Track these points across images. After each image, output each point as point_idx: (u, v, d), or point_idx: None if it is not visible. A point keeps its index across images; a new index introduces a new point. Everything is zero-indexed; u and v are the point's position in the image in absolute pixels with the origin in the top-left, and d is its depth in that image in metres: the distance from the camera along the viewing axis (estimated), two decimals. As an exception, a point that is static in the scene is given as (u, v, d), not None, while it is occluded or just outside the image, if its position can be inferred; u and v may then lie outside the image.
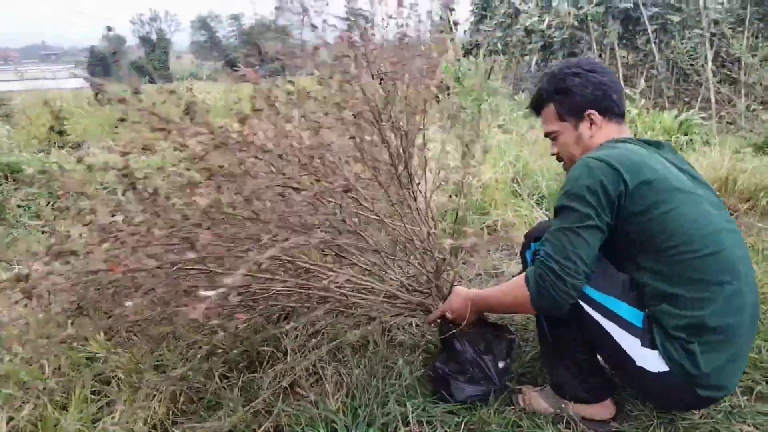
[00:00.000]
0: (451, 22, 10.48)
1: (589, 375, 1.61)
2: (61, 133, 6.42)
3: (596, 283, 1.44)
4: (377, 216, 1.55)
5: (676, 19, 7.74)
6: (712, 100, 6.52)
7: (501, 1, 10.84)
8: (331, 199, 1.47)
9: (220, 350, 1.98)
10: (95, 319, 1.54)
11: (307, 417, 1.70)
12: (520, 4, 9.91)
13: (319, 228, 1.48)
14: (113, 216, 1.46)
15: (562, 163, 1.73)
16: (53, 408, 1.79)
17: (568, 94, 1.60)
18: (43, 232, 3.26)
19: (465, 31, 12.40)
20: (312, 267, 1.61)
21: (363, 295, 1.71)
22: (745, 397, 1.69)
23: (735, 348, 1.39)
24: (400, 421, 1.62)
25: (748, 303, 1.40)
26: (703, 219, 1.38)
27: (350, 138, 1.41)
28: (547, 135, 1.72)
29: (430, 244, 1.69)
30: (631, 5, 7.89)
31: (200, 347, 1.95)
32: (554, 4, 8.98)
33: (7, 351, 2.01)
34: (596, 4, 8.00)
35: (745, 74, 6.64)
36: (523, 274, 1.52)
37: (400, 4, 1.63)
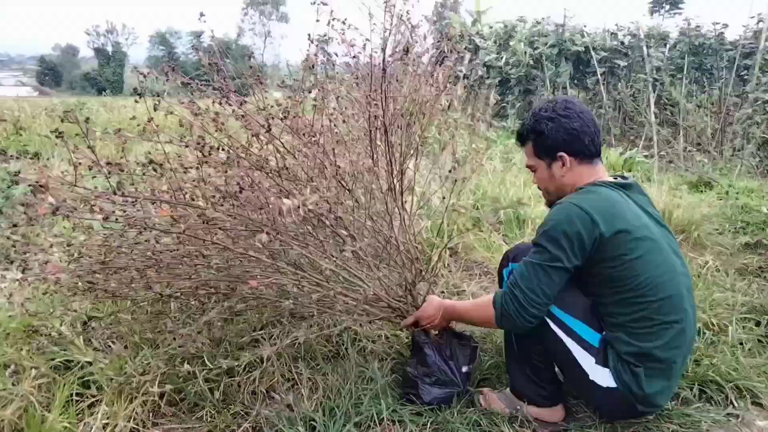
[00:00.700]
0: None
1: (546, 382, 1.82)
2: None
3: (563, 304, 1.66)
4: (372, 219, 1.72)
5: (622, 63, 8.35)
6: (654, 140, 7.04)
7: (461, 37, 11.35)
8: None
9: (200, 354, 2.08)
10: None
11: (285, 417, 1.83)
12: (480, 41, 10.41)
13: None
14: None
15: (542, 191, 1.92)
16: (39, 407, 1.85)
17: (541, 136, 1.77)
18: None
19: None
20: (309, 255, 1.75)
21: (351, 293, 1.87)
22: (672, 402, 1.93)
23: (672, 375, 1.65)
24: (375, 418, 1.78)
25: (688, 339, 1.66)
26: (664, 266, 1.61)
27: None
28: (527, 166, 1.91)
29: (411, 254, 1.87)
30: (582, 49, 8.46)
31: (179, 349, 2.05)
32: (511, 43, 9.49)
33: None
34: (550, 46, 8.54)
35: (682, 118, 7.21)
36: (492, 296, 1.73)
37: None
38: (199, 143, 1.44)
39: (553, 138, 1.74)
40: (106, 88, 41.28)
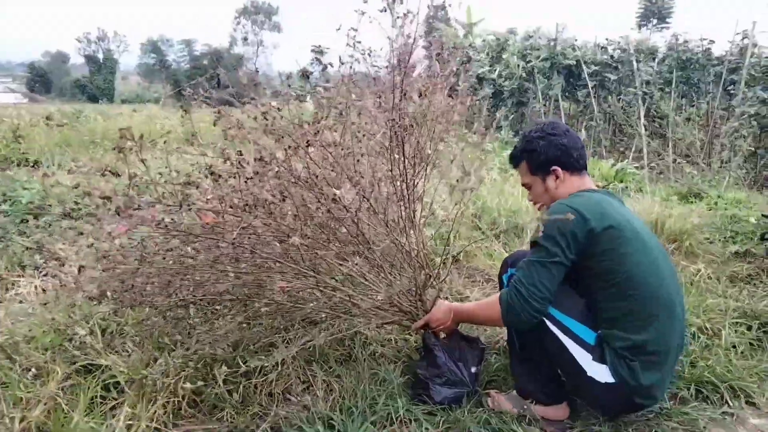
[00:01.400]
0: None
1: (549, 380, 1.92)
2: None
3: (559, 305, 1.78)
4: (387, 225, 1.82)
5: (613, 77, 8.55)
6: (644, 151, 7.22)
7: (456, 50, 11.54)
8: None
9: (219, 358, 2.16)
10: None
11: (303, 417, 1.91)
12: (472, 53, 10.59)
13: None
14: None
15: (537, 206, 2.07)
16: (66, 408, 1.92)
17: (534, 153, 1.96)
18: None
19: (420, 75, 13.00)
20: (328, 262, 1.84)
21: (366, 297, 1.97)
22: (671, 402, 2.03)
23: (665, 367, 1.77)
24: (393, 417, 1.87)
25: (678, 332, 1.79)
26: (650, 261, 1.75)
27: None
28: (523, 185, 2.06)
29: (421, 260, 1.97)
30: (574, 62, 8.65)
31: (200, 352, 2.13)
32: (504, 56, 9.67)
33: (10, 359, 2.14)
34: (543, 59, 8.73)
35: (671, 131, 7.40)
36: (498, 295, 1.84)
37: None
38: (240, 153, 1.53)
39: (545, 154, 1.93)
40: (97, 96, 41.13)
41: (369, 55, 1.95)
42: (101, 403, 2.02)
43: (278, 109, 1.57)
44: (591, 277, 1.76)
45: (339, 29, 1.98)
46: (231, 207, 1.53)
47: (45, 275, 2.72)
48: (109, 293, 1.82)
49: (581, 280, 1.79)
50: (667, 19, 26.24)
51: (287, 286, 1.60)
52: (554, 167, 1.93)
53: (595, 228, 1.70)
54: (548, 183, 1.95)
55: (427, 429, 1.86)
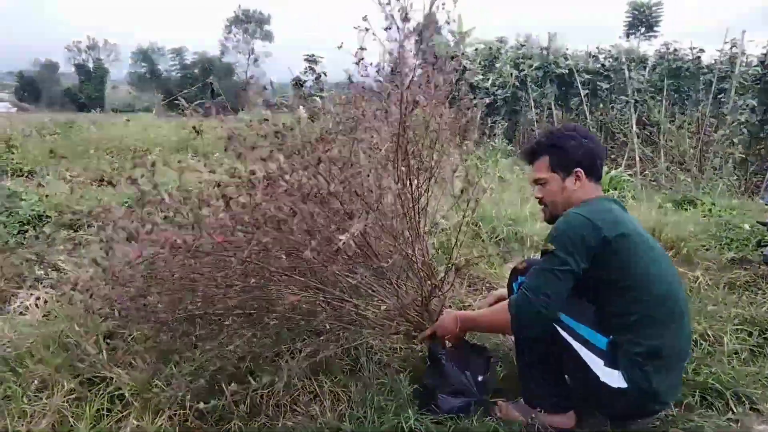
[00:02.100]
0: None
1: (557, 388, 1.94)
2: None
3: (570, 312, 1.79)
4: (394, 237, 1.83)
5: (605, 85, 8.64)
6: (637, 159, 7.29)
7: (452, 58, 11.62)
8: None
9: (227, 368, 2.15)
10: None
11: (312, 428, 1.91)
12: (465, 62, 10.65)
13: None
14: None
15: (543, 206, 2.06)
16: (72, 420, 1.90)
17: (561, 151, 1.95)
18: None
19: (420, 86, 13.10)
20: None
21: (373, 309, 1.97)
22: (677, 409, 2.05)
23: (676, 372, 1.80)
24: (404, 426, 1.87)
25: (686, 337, 1.83)
26: (660, 269, 1.78)
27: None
28: (536, 181, 2.04)
29: (426, 271, 1.98)
30: (567, 71, 8.74)
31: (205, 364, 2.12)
32: (497, 65, 9.75)
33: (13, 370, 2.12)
34: (536, 68, 8.81)
35: (663, 138, 7.48)
36: (507, 302, 1.85)
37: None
38: (253, 173, 1.54)
39: (574, 154, 1.93)
40: (88, 105, 40.90)
41: (365, 67, 1.97)
42: (107, 415, 2.01)
43: (291, 128, 1.57)
44: (602, 284, 1.77)
45: (340, 47, 2.00)
46: (242, 225, 1.53)
47: (49, 287, 2.69)
48: (117, 312, 1.81)
49: (592, 288, 1.80)
50: (655, 28, 26.57)
51: (297, 299, 1.60)
52: (578, 169, 1.93)
53: (607, 236, 1.72)
54: (567, 183, 1.94)
55: (436, 438, 1.86)
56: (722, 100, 7.80)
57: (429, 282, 2.05)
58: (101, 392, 2.05)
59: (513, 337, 2.10)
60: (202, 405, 1.85)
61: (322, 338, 2.21)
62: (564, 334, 1.80)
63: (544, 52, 9.24)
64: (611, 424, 1.93)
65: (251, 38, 59.67)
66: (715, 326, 2.56)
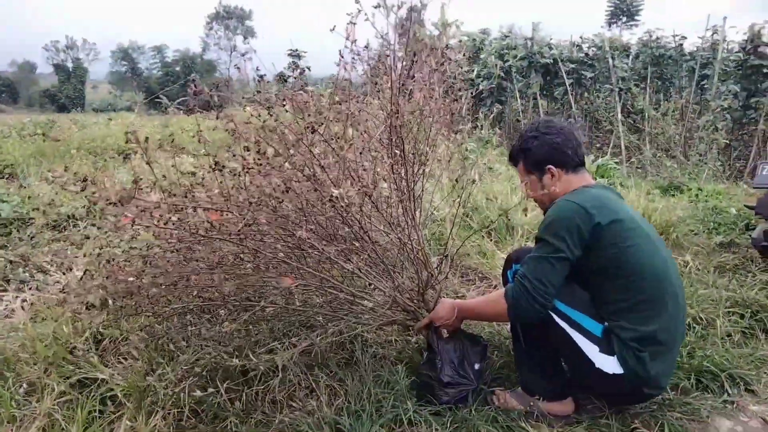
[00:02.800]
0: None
1: (554, 376, 1.93)
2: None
3: (565, 299, 1.78)
4: (390, 224, 1.81)
5: (589, 74, 8.67)
6: (623, 146, 7.33)
7: (433, 50, 11.59)
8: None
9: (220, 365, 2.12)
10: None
11: (310, 422, 1.88)
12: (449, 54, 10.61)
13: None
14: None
15: (537, 203, 2.08)
16: (63, 424, 1.86)
17: (528, 153, 1.97)
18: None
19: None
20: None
21: (369, 298, 1.95)
22: (673, 392, 2.06)
23: (671, 356, 1.80)
24: (403, 419, 1.85)
25: (681, 321, 1.83)
26: (654, 253, 1.77)
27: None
28: (522, 183, 2.07)
29: (422, 259, 1.96)
30: (551, 61, 8.76)
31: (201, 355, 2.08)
32: (482, 56, 9.74)
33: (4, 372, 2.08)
34: (520, 58, 8.81)
35: (648, 125, 7.53)
36: (503, 290, 1.84)
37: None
38: (247, 149, 1.50)
39: (539, 153, 1.94)
40: (68, 105, 40.32)
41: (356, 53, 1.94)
42: (99, 417, 1.97)
43: (283, 104, 1.55)
44: (597, 270, 1.77)
45: (333, 29, 1.97)
46: (237, 206, 1.49)
47: (35, 289, 2.64)
48: (110, 301, 1.77)
49: (586, 274, 1.80)
50: (636, 17, 26.75)
51: (293, 282, 1.57)
52: (549, 166, 1.94)
53: (600, 222, 1.72)
54: (545, 181, 1.96)
55: (437, 430, 1.85)
56: (705, 86, 7.86)
57: (425, 271, 2.03)
58: (93, 394, 2.01)
59: (509, 326, 2.10)
60: (198, 393, 1.80)
61: (316, 332, 2.19)
62: (559, 321, 1.79)
63: (529, 42, 9.24)
64: (609, 410, 1.93)
65: (233, 34, 59.15)
66: (707, 310, 2.57)
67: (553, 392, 1.94)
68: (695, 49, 8.72)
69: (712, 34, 8.30)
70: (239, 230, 1.44)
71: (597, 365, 1.75)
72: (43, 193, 4.52)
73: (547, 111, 9.54)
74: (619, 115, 7.54)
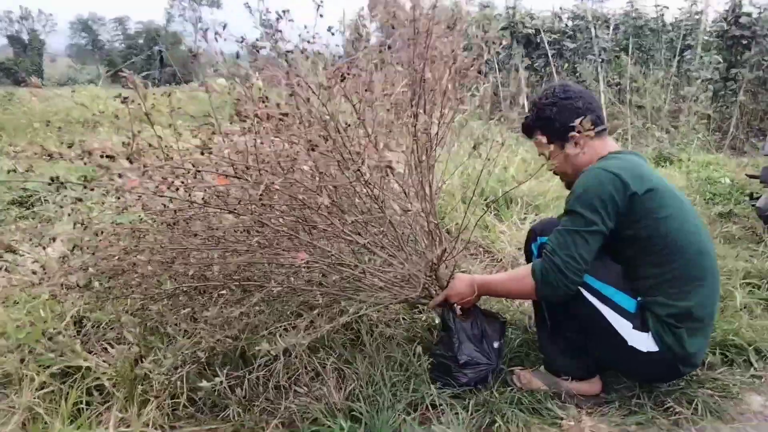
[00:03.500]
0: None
1: (581, 354, 1.81)
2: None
3: (595, 273, 1.65)
4: (406, 194, 1.65)
5: (571, 45, 8.55)
6: (605, 118, 7.25)
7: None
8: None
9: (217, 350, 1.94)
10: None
11: (320, 409, 1.74)
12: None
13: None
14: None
15: (558, 176, 1.94)
16: (46, 416, 1.68)
17: (548, 122, 1.81)
18: None
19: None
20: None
21: (382, 274, 1.80)
22: (699, 369, 1.97)
23: (708, 333, 1.70)
24: (426, 402, 1.72)
25: (717, 296, 1.72)
26: (690, 223, 1.66)
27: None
28: (541, 156, 1.91)
29: (436, 233, 1.81)
30: (533, 31, 8.61)
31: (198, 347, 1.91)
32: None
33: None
34: (502, 28, 8.63)
35: (632, 95, 7.46)
36: (530, 266, 1.70)
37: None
38: (266, 99, 1.31)
39: (560, 121, 1.78)
40: (25, 79, 38.54)
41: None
42: (86, 409, 1.78)
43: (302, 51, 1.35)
44: (631, 242, 1.64)
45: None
46: (251, 169, 1.29)
47: (4, 270, 2.40)
48: (96, 282, 1.57)
49: (619, 246, 1.67)
50: (610, -10, 26.63)
51: (304, 259, 1.40)
52: (572, 133, 1.79)
53: (637, 192, 1.59)
54: (568, 150, 1.80)
55: (457, 414, 1.72)
56: (688, 58, 7.83)
57: (440, 244, 1.88)
58: (78, 384, 1.82)
59: (531, 303, 1.97)
60: (204, 383, 1.62)
61: (319, 311, 2.03)
62: (590, 297, 1.67)
63: (510, 11, 9.05)
64: (639, 388, 1.83)
65: (197, 5, 57.25)
66: (723, 282, 2.49)
67: (581, 371, 1.83)
68: (674, 20, 8.68)
69: (691, 5, 8.26)
70: (260, 195, 1.25)
71: (630, 343, 1.64)
72: (5, 168, 4.20)
73: (529, 82, 9.42)
74: (602, 85, 7.45)
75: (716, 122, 7.29)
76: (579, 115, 1.74)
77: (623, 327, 1.65)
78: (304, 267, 1.57)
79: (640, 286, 1.66)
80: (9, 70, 45.64)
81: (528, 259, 1.94)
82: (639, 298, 1.66)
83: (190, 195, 1.33)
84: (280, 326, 2.04)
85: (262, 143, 1.33)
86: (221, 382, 1.84)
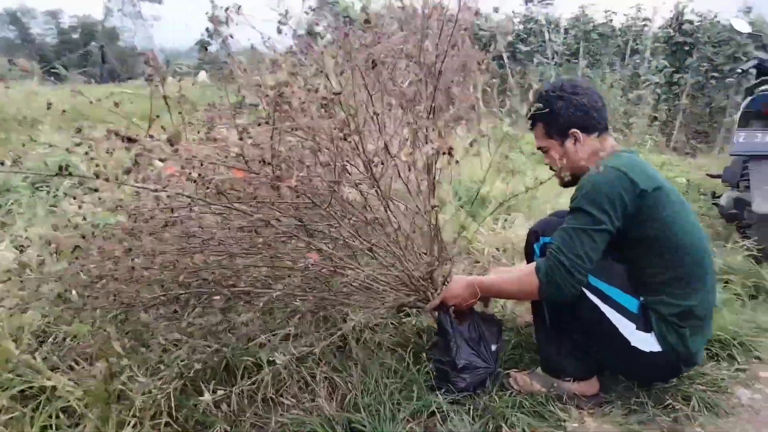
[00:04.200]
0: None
1: (579, 354, 1.79)
2: None
3: (599, 273, 1.64)
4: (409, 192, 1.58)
5: (523, 48, 8.72)
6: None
7: (367, 23, 11.27)
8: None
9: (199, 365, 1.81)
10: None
11: (319, 422, 1.64)
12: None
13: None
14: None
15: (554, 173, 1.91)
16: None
17: (551, 115, 1.77)
18: None
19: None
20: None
21: (380, 277, 1.73)
22: (685, 364, 1.99)
23: (707, 330, 1.72)
24: (435, 413, 1.65)
25: (715, 293, 1.75)
26: (693, 224, 1.67)
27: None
28: (539, 148, 1.89)
29: (435, 233, 1.75)
30: (488, 35, 8.72)
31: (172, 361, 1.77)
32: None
33: None
34: (458, 30, 8.71)
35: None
36: (533, 265, 1.66)
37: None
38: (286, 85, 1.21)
39: (565, 116, 1.76)
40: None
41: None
42: (56, 432, 1.61)
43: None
44: (636, 242, 1.63)
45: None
46: (262, 161, 1.19)
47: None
48: (75, 291, 1.42)
49: (623, 246, 1.66)
50: (552, -4, 27.45)
51: (316, 259, 1.31)
52: (574, 130, 1.77)
53: (645, 190, 1.57)
54: (567, 146, 1.80)
55: (462, 419, 1.66)
56: (637, 61, 8.12)
57: (437, 245, 1.82)
58: (45, 406, 1.65)
59: (529, 303, 1.93)
60: (206, 396, 1.49)
61: (302, 317, 1.92)
62: (592, 297, 1.65)
63: (464, 14, 9.14)
64: (637, 387, 1.82)
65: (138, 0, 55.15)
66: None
67: (579, 372, 1.80)
68: (621, 25, 9.00)
69: (637, 11, 8.59)
70: (295, 184, 1.14)
71: (633, 343, 1.63)
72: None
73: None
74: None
75: (660, 124, 7.59)
76: (584, 111, 1.76)
77: (626, 327, 1.64)
78: (315, 264, 1.47)
79: (645, 286, 1.65)
80: (-72, 66, 42.63)
81: (529, 260, 1.91)
82: (641, 299, 1.66)
83: (207, 187, 1.21)
84: (266, 336, 1.93)
85: (279, 137, 1.22)
86: (212, 397, 1.72)
